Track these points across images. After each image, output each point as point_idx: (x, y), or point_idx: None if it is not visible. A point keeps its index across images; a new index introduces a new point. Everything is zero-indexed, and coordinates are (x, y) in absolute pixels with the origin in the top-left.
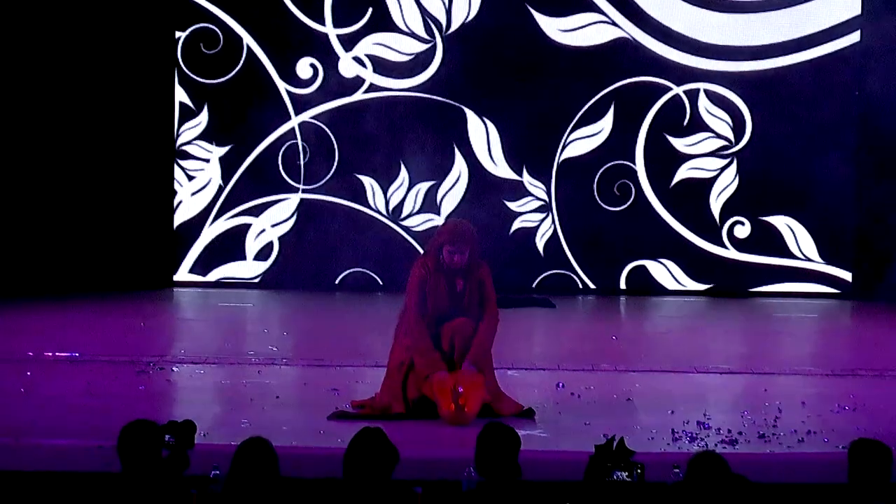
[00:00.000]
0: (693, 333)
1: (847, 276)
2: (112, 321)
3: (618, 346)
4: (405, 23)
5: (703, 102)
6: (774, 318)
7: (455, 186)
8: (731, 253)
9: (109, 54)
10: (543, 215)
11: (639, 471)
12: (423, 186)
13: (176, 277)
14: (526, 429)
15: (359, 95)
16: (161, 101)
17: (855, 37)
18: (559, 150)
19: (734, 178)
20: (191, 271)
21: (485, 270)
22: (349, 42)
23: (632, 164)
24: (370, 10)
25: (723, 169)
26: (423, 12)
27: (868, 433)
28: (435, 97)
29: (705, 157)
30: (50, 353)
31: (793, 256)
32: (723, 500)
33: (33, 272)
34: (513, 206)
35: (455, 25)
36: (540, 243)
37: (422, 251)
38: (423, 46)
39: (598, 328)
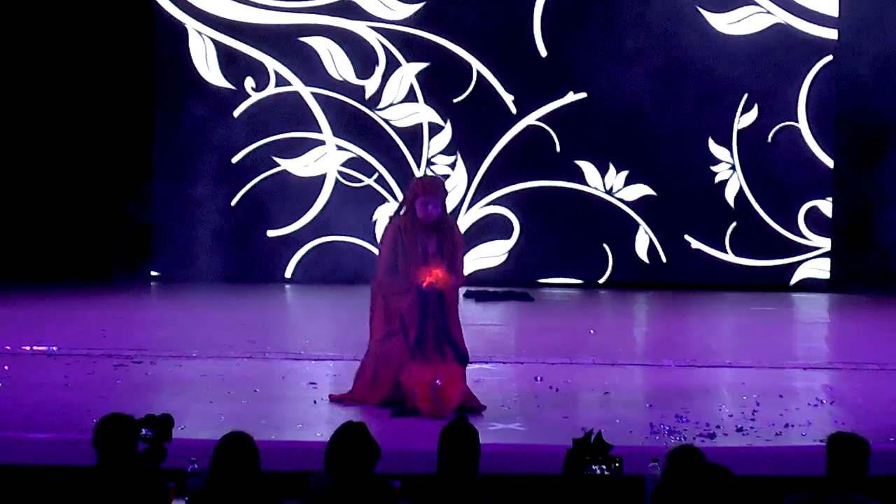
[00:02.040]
0: (670, 327)
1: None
2: (90, 314)
3: (596, 340)
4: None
5: None
6: (752, 311)
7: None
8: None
9: (89, 47)
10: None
11: (617, 464)
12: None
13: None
14: (504, 423)
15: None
16: (139, 90)
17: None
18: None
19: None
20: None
21: (459, 235)
22: None
23: None
24: None
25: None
26: None
27: (846, 426)
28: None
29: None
30: (27, 347)
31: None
32: (701, 492)
33: (10, 263)
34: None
35: None
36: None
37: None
38: None
39: (576, 321)
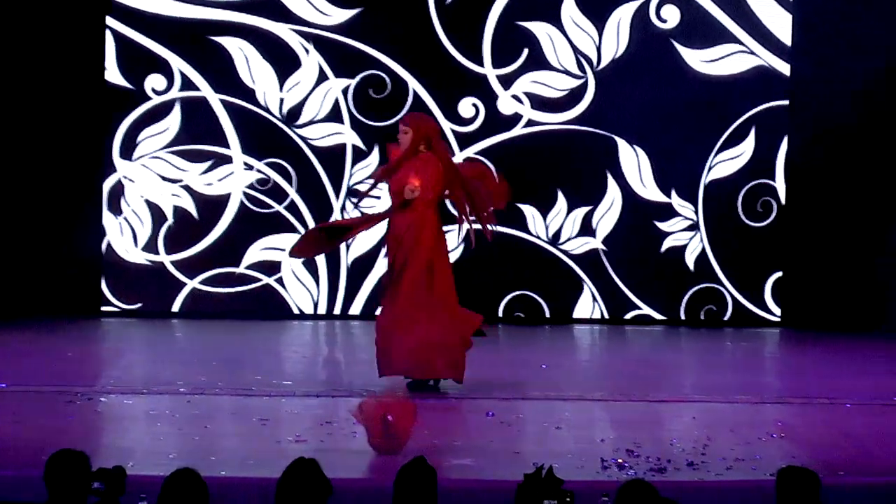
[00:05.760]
0: (622, 362)
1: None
2: (39, 350)
3: (547, 374)
4: (559, 61)
5: None
6: (703, 346)
7: (609, 211)
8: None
9: (41, 69)
10: (692, 234)
11: (568, 499)
12: (580, 212)
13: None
14: (456, 458)
15: (518, 130)
16: (92, 117)
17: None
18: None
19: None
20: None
21: (436, 155)
22: (507, 81)
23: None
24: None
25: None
26: (575, 50)
27: (796, 460)
28: (588, 128)
29: None
30: None
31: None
32: None
33: None
34: (663, 226)
35: (605, 62)
36: (690, 259)
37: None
38: (577, 82)
39: (528, 356)
